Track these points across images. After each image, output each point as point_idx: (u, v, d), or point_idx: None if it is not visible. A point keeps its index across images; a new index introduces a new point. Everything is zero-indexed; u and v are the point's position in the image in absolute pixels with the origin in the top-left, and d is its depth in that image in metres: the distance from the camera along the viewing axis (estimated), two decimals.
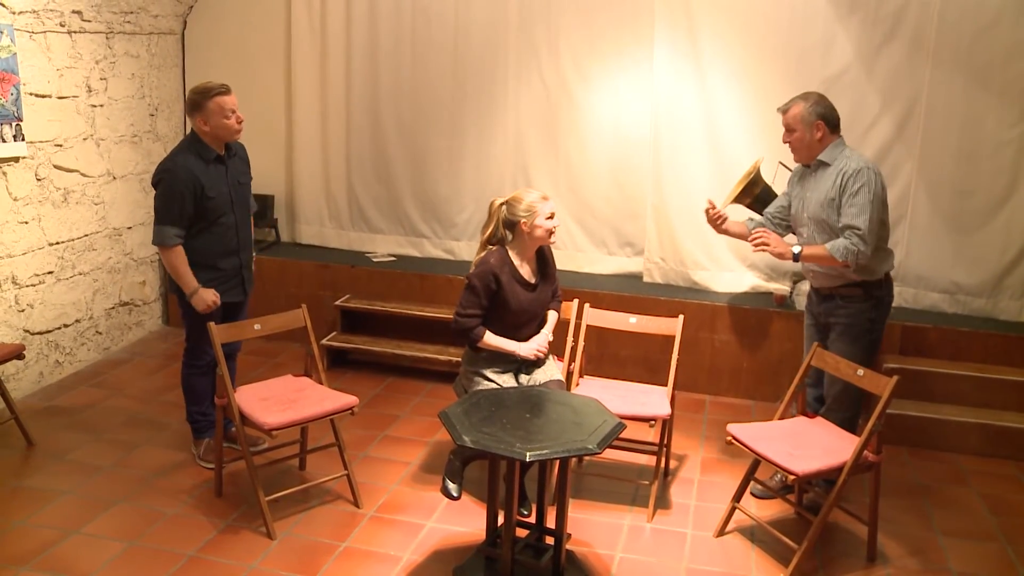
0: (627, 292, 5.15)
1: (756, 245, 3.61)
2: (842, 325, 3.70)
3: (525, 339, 3.67)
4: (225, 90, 3.75)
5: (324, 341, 5.26)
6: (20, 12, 4.44)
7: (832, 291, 3.71)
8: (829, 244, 3.52)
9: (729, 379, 5.08)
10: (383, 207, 5.84)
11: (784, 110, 3.66)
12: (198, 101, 3.72)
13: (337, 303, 5.40)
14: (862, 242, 3.44)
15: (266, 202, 5.89)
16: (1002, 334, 4.73)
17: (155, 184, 3.77)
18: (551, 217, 3.56)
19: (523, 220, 3.54)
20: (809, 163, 3.71)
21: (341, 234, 5.94)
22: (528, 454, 2.76)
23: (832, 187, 3.55)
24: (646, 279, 5.41)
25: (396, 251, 5.85)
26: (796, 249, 3.57)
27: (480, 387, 3.54)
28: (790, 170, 4.82)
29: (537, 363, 3.70)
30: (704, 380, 5.11)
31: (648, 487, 3.85)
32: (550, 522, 3.28)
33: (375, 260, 5.68)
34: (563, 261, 5.59)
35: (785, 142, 3.71)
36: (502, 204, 3.61)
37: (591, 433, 2.92)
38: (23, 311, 4.68)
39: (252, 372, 5.04)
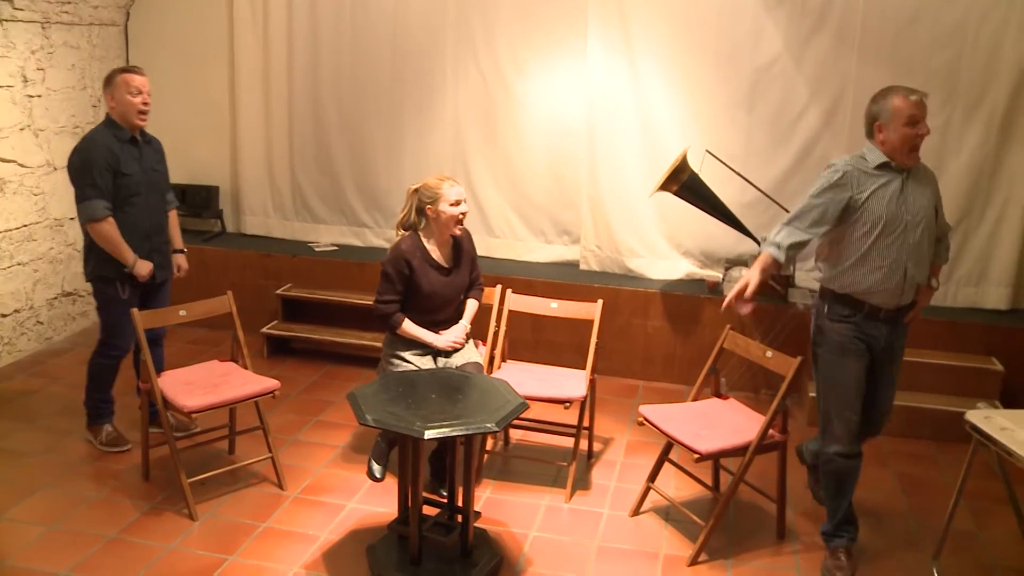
0: (563, 280, 5.23)
1: None
2: (902, 348, 3.41)
3: (442, 323, 3.74)
4: (135, 70, 3.86)
5: (265, 329, 5.31)
6: None
7: (900, 310, 3.29)
8: (937, 259, 3.41)
9: (662, 365, 5.17)
10: (326, 198, 5.88)
11: (926, 99, 3.16)
12: (109, 76, 3.85)
13: (278, 292, 5.45)
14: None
15: (211, 193, 5.92)
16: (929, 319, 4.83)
17: (70, 164, 3.79)
18: (457, 204, 3.61)
19: (428, 205, 3.60)
20: (912, 165, 3.18)
21: (285, 224, 5.98)
22: (427, 432, 2.83)
23: (934, 185, 3.29)
24: (583, 267, 5.49)
25: (339, 241, 5.90)
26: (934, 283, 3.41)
27: (397, 369, 3.61)
28: (719, 159, 4.91)
29: (455, 349, 3.76)
30: (638, 366, 5.19)
31: (567, 469, 3.93)
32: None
33: (317, 249, 5.73)
34: (502, 249, 5.66)
35: (923, 134, 3.11)
36: (416, 190, 3.67)
37: (493, 412, 3.00)
38: None
39: (193, 360, 5.03)
